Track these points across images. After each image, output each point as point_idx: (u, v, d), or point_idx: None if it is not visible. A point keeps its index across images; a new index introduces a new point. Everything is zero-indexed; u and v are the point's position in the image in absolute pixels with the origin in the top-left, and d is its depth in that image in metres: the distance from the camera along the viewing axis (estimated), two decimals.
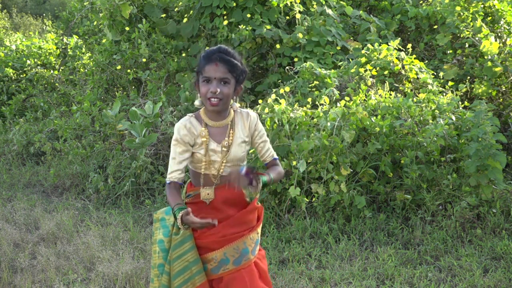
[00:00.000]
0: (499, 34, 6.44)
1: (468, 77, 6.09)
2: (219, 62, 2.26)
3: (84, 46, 9.11)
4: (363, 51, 5.86)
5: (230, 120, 2.39)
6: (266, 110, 4.97)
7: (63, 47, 9.40)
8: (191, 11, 6.97)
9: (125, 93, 7.38)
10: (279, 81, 6.23)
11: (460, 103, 5.36)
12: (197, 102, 2.36)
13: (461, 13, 6.44)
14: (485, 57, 5.96)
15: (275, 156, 2.53)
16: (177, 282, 2.31)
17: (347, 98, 5.07)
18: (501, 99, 6.10)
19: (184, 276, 2.30)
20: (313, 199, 4.62)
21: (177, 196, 2.31)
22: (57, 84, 9.15)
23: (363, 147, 4.69)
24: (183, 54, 6.97)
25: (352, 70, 5.66)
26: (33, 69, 9.57)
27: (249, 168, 2.22)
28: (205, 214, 2.33)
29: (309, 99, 5.18)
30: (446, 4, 6.68)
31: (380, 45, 5.93)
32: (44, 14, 23.75)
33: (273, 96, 5.17)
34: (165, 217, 2.41)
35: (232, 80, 2.29)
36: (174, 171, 2.34)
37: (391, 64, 5.66)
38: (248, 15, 6.53)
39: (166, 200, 5.20)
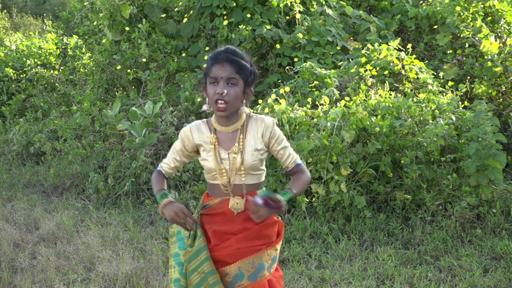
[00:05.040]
0: (499, 34, 6.44)
1: (468, 77, 6.09)
2: (226, 62, 2.16)
3: (84, 46, 9.11)
4: (363, 51, 5.85)
5: (240, 125, 2.27)
6: (266, 110, 4.98)
7: (63, 47, 9.40)
8: (191, 11, 6.97)
9: (125, 93, 7.38)
10: (279, 81, 6.23)
11: (460, 103, 5.36)
12: (205, 107, 2.27)
13: (461, 13, 6.44)
14: (485, 57, 5.95)
15: (298, 161, 2.34)
16: None
17: (347, 98, 5.07)
18: (501, 99, 6.10)
19: None
20: (313, 199, 4.62)
21: (161, 183, 2.34)
22: (57, 84, 9.15)
23: (363, 147, 4.69)
24: (183, 54, 6.97)
25: (352, 70, 5.66)
26: (33, 69, 9.56)
27: (266, 198, 2.11)
28: (220, 226, 2.26)
29: (309, 99, 5.19)
30: (446, 4, 6.68)
31: (380, 45, 5.93)
32: (44, 14, 23.76)
33: (273, 96, 5.18)
34: (181, 230, 2.33)
35: (240, 81, 2.18)
36: (166, 163, 2.38)
37: (391, 64, 5.66)
38: (248, 15, 6.53)
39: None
